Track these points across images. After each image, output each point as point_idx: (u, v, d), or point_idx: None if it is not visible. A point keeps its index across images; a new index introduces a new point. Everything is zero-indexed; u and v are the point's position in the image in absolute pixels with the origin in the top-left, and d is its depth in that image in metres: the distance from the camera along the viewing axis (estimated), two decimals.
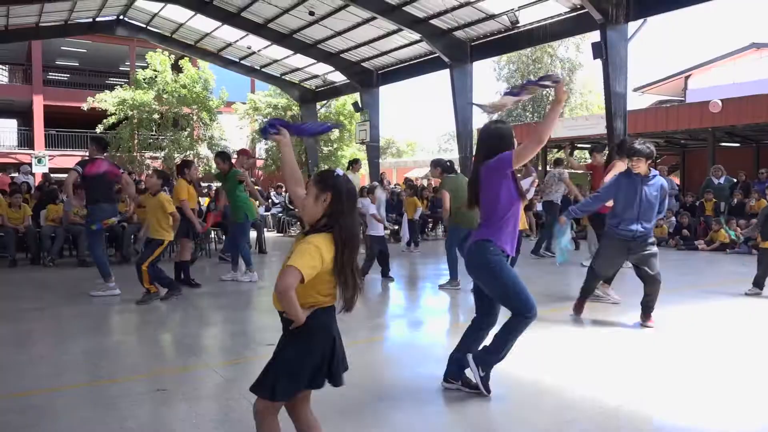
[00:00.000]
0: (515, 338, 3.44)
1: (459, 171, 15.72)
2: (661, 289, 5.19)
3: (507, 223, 3.40)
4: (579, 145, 20.43)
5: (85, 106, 22.69)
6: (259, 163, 29.11)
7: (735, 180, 13.01)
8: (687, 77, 27.73)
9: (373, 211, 7.73)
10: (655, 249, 5.19)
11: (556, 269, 8.37)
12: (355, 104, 21.39)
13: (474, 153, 3.65)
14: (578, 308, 5.61)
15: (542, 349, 4.52)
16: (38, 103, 26.77)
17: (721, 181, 12.75)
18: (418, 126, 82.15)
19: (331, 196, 2.18)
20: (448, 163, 7.53)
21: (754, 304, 6.24)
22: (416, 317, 6.10)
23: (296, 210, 14.66)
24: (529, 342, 4.71)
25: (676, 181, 19.74)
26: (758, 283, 6.70)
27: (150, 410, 3.32)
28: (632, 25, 12.69)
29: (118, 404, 3.40)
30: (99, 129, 22.49)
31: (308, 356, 2.19)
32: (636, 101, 28.09)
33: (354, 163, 12.62)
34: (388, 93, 79.77)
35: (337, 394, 2.93)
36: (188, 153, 24.39)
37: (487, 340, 3.54)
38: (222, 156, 7.96)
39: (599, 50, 12.38)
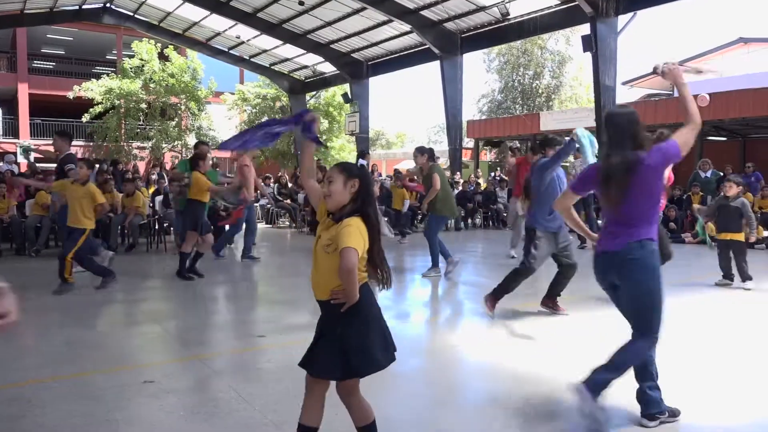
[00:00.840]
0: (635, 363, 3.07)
1: (448, 162, 15.62)
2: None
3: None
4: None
5: (71, 95, 22.43)
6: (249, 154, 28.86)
7: (722, 174, 13.12)
8: None
9: None
10: (571, 238, 5.50)
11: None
12: (344, 95, 21.31)
13: (609, 143, 3.10)
14: (493, 305, 5.30)
15: (532, 340, 4.55)
16: (23, 92, 26.41)
17: (708, 174, 12.85)
18: (407, 118, 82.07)
19: (359, 182, 2.38)
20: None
21: (737, 296, 6.30)
22: (403, 309, 6.11)
23: (287, 202, 14.60)
24: (519, 333, 4.74)
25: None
26: (727, 275, 6.87)
27: (137, 402, 3.30)
28: (622, 19, 12.74)
29: (104, 396, 3.37)
30: (85, 118, 22.26)
31: (372, 328, 2.40)
32: (625, 95, 28.19)
33: (364, 156, 12.66)
34: (377, 84, 79.60)
35: (332, 385, 2.93)
36: (176, 143, 24.21)
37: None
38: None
39: (589, 43, 12.41)
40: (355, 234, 2.28)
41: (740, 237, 6.78)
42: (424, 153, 7.63)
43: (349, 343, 2.34)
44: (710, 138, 18.75)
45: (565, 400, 3.35)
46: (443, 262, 7.44)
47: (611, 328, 4.92)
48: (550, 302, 5.50)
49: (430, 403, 3.35)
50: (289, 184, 15.82)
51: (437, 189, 7.29)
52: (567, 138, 5.25)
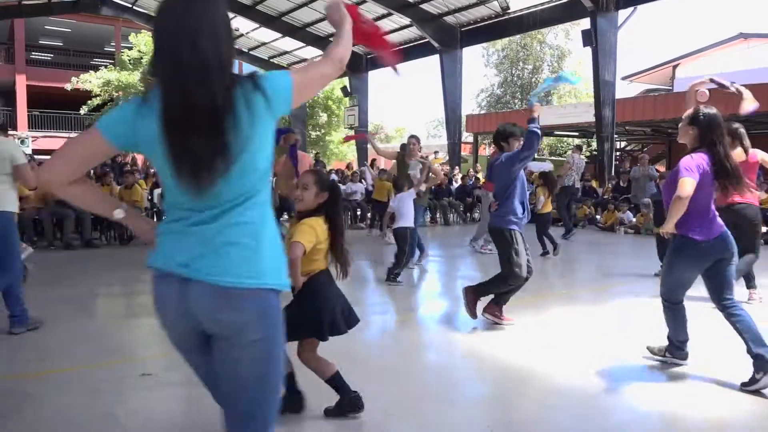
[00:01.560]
0: None
1: (447, 156, 15.67)
2: (641, 274, 5.22)
3: None
4: (558, 133, 20.47)
5: (69, 87, 22.33)
6: None
7: None
8: (675, 66, 27.85)
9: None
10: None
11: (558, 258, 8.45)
12: (344, 89, 21.27)
13: (717, 140, 3.44)
14: (474, 304, 4.78)
15: (526, 334, 4.56)
16: (21, 83, 26.29)
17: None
18: (406, 112, 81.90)
19: (328, 196, 2.84)
20: None
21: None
22: (400, 305, 6.11)
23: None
24: (513, 327, 4.75)
25: (662, 169, 19.89)
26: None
27: (136, 395, 3.30)
28: (622, 14, 12.72)
29: (103, 389, 3.37)
30: (83, 110, 22.18)
31: (309, 310, 2.82)
32: (624, 90, 28.17)
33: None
34: (376, 78, 79.44)
35: (321, 382, 2.94)
36: None
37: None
38: None
39: (589, 38, 12.39)
40: (307, 231, 2.75)
41: None
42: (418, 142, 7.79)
43: (293, 318, 2.64)
44: None
45: (565, 394, 3.36)
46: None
47: (607, 323, 4.95)
48: (497, 310, 4.78)
49: (427, 398, 3.36)
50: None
51: (443, 179, 7.49)
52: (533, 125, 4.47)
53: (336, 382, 3.01)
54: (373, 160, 15.93)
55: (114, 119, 1.63)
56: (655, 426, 2.99)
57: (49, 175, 1.60)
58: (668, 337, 3.88)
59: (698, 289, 3.84)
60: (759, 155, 5.55)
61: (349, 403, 3.00)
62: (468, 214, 15.17)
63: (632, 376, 3.68)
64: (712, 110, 3.54)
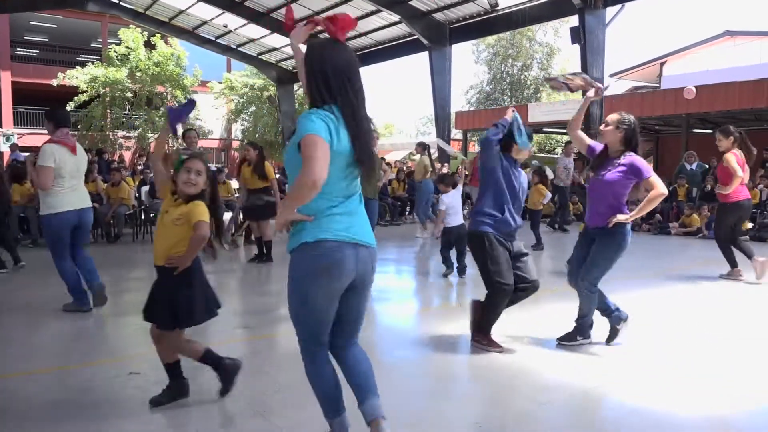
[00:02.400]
0: None
1: (437, 153, 15.66)
2: (633, 273, 5.23)
3: None
4: (546, 130, 20.56)
5: (55, 82, 22.10)
6: (235, 144, 28.69)
7: (707, 166, 13.24)
8: (662, 64, 28.06)
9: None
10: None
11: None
12: None
13: (638, 143, 4.19)
14: (491, 342, 4.16)
15: (518, 331, 4.57)
16: (6, 80, 25.99)
17: (694, 167, 12.97)
18: (396, 109, 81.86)
19: (209, 183, 3.06)
20: None
21: (724, 287, 6.38)
22: (395, 299, 6.11)
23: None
24: (505, 324, 4.76)
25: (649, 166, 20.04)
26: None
27: (123, 394, 3.28)
28: (610, 11, 12.77)
29: (91, 387, 3.35)
30: (70, 107, 21.96)
31: (197, 291, 3.01)
32: (612, 87, 28.31)
33: (423, 147, 11.72)
34: (366, 74, 79.03)
35: None
36: None
37: None
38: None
39: (577, 35, 12.43)
40: (205, 212, 2.97)
41: None
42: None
43: (178, 302, 2.94)
44: (696, 131, 18.90)
45: (557, 390, 3.37)
46: None
47: (599, 320, 4.96)
48: (483, 338, 4.13)
49: (422, 394, 3.36)
50: (277, 175, 15.73)
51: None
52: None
53: (211, 358, 3.21)
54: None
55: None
56: (649, 423, 3.00)
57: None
58: (579, 321, 4.22)
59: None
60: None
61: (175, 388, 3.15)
62: None
63: (625, 373, 3.70)
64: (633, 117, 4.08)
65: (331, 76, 2.23)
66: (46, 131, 5.06)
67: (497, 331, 4.19)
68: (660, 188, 3.89)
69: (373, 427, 2.44)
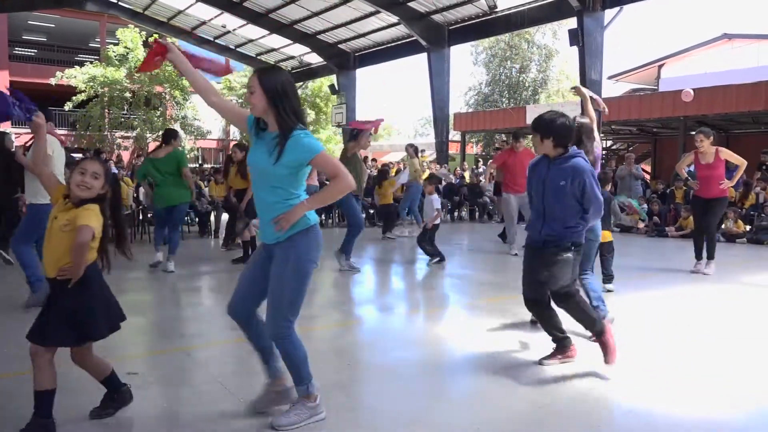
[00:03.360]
0: None
1: (435, 155, 15.62)
2: (630, 274, 5.24)
3: None
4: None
5: (53, 81, 22.07)
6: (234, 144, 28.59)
7: None
8: (660, 66, 28.13)
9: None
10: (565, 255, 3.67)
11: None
12: (331, 87, 21.22)
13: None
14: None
15: (515, 332, 4.57)
16: (3, 79, 25.92)
17: (691, 168, 12.98)
18: (394, 110, 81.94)
19: (110, 189, 2.84)
20: None
21: (718, 290, 6.39)
22: (390, 301, 6.11)
23: None
24: (502, 325, 4.77)
25: (647, 168, 20.08)
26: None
27: None
28: (608, 14, 12.80)
29: (87, 387, 3.33)
30: (68, 106, 21.95)
31: (97, 301, 2.79)
32: (610, 89, 28.40)
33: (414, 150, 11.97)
34: (364, 76, 79.32)
35: (317, 377, 2.93)
36: (160, 133, 23.98)
37: None
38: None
39: (576, 37, 12.46)
40: (94, 217, 2.70)
41: None
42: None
43: (78, 314, 2.70)
44: (694, 133, 18.92)
45: (553, 389, 3.38)
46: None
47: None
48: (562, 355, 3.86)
49: (417, 395, 3.36)
50: None
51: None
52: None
53: (112, 381, 2.99)
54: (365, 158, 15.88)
55: None
56: (647, 424, 3.01)
57: None
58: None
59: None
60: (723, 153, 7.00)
61: (119, 398, 2.98)
62: (456, 213, 15.22)
63: (624, 374, 3.70)
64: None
65: (297, 102, 2.74)
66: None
67: (494, 333, 4.19)
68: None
69: (278, 382, 2.96)
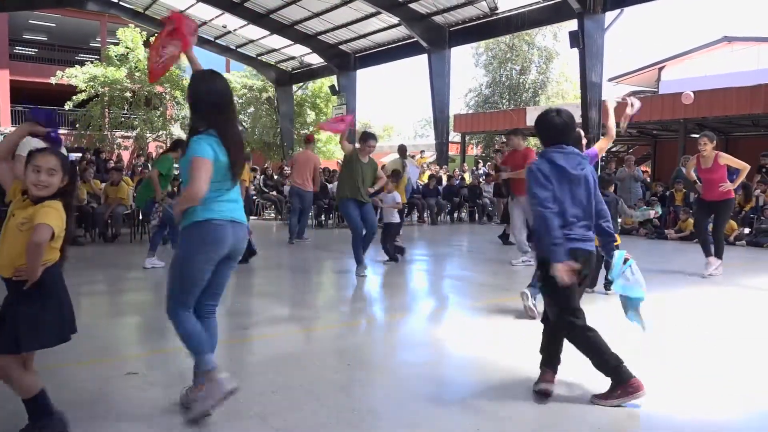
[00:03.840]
0: None
1: (435, 156, 15.64)
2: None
3: None
4: None
5: (54, 80, 22.07)
6: None
7: None
8: (660, 68, 28.14)
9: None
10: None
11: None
12: (332, 87, 21.22)
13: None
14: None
15: (516, 334, 4.57)
16: (4, 78, 25.94)
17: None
18: (394, 111, 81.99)
19: (69, 179, 2.63)
20: None
21: (718, 292, 6.40)
22: (390, 303, 6.11)
23: (272, 193, 14.53)
24: (503, 327, 4.77)
25: (647, 170, 20.09)
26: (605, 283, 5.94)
27: (120, 394, 3.27)
28: (609, 16, 12.82)
29: (87, 387, 3.34)
30: (68, 106, 21.95)
31: (49, 308, 2.59)
32: (610, 91, 28.39)
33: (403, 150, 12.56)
34: (365, 76, 79.33)
35: (317, 378, 2.93)
36: (161, 133, 23.98)
37: None
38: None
39: (576, 39, 12.47)
40: (54, 215, 2.50)
41: None
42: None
43: (19, 319, 2.50)
44: (694, 135, 18.92)
45: (555, 393, 3.37)
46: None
47: (601, 324, 4.96)
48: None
49: (417, 397, 3.36)
50: (275, 176, 15.74)
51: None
52: None
53: (39, 402, 2.64)
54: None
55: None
56: (648, 425, 3.01)
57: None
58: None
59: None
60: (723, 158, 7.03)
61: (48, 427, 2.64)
62: (456, 214, 15.23)
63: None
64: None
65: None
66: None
67: (494, 335, 4.18)
68: None
69: (211, 374, 2.96)
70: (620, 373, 3.17)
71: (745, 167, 7.11)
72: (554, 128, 3.31)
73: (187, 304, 2.98)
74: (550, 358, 3.43)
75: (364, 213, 6.91)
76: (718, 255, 7.27)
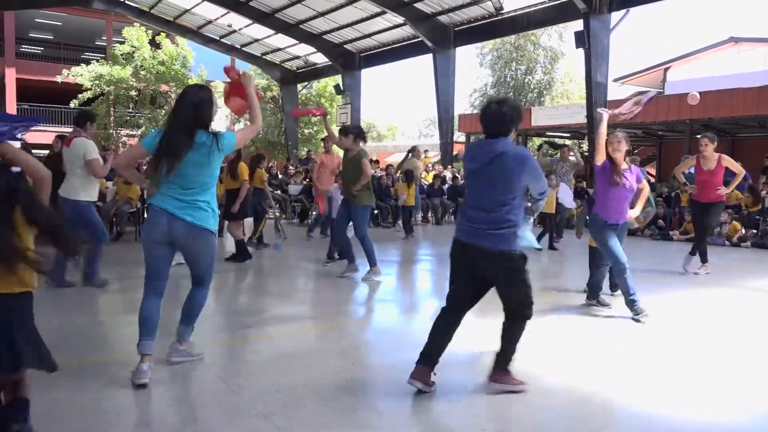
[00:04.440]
0: None
1: (440, 156, 15.50)
2: (633, 276, 5.20)
3: None
4: (550, 134, 20.56)
5: (59, 78, 22.14)
6: None
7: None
8: (666, 69, 28.04)
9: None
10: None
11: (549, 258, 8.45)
12: (336, 87, 21.23)
13: None
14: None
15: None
16: (10, 76, 26.04)
17: (691, 170, 12.94)
18: (399, 110, 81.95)
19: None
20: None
21: (722, 293, 6.37)
22: (391, 302, 6.11)
23: (277, 192, 14.55)
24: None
25: (652, 171, 20.01)
26: (594, 291, 5.68)
27: (126, 392, 3.28)
28: (615, 16, 12.78)
29: (92, 386, 3.35)
30: (74, 104, 22.02)
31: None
32: (616, 91, 28.35)
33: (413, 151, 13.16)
34: (369, 76, 79.41)
35: (320, 377, 2.94)
36: None
37: None
38: None
39: (582, 39, 12.43)
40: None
41: None
42: (349, 134, 6.76)
43: (35, 335, 2.61)
44: (699, 136, 18.85)
45: (557, 394, 3.37)
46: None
47: (600, 325, 4.96)
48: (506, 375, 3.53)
49: (420, 396, 3.36)
50: (280, 175, 15.76)
51: (369, 176, 6.58)
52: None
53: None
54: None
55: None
56: (649, 427, 3.00)
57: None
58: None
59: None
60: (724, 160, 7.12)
61: None
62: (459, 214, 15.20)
63: (626, 377, 3.69)
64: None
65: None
66: (50, 128, 5.43)
67: (495, 335, 4.17)
68: (647, 187, 5.21)
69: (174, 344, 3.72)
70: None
71: (741, 171, 7.19)
72: (485, 119, 3.35)
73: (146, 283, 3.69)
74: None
75: (351, 214, 6.67)
76: (701, 256, 7.33)
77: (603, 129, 5.20)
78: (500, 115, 3.27)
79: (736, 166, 7.13)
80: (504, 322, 3.42)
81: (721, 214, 7.72)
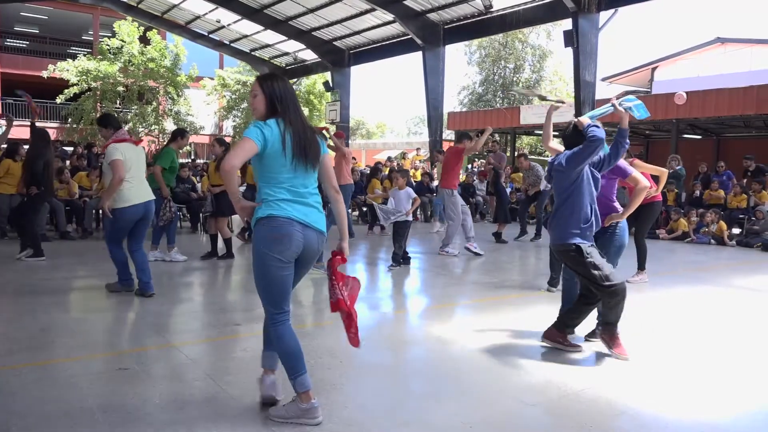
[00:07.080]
0: None
1: (428, 154, 15.50)
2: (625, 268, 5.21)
3: None
4: (538, 133, 20.64)
5: (45, 74, 21.89)
6: (227, 140, 28.42)
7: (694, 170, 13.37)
8: (653, 69, 28.26)
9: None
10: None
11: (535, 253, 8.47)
12: (326, 84, 21.17)
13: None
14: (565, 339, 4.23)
15: (509, 331, 4.58)
16: None
17: (677, 169, 13.07)
18: (388, 108, 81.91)
19: None
20: None
21: (709, 292, 6.44)
22: (381, 300, 6.11)
23: None
24: (496, 324, 4.78)
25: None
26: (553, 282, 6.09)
27: (111, 389, 3.25)
28: (603, 15, 12.84)
29: (77, 383, 3.32)
30: (60, 99, 21.79)
31: None
32: (603, 90, 28.50)
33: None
34: (359, 73, 79.14)
35: (309, 375, 2.92)
36: (153, 128, 23.85)
37: None
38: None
39: (570, 38, 12.48)
40: None
41: None
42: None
43: None
44: (685, 136, 19.05)
45: (546, 391, 3.39)
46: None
47: (588, 321, 4.99)
48: (560, 336, 4.18)
49: (410, 394, 3.37)
50: None
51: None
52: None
53: None
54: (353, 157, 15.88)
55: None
56: (638, 425, 3.02)
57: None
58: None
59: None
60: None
61: None
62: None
63: (615, 375, 3.72)
64: None
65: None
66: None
67: (486, 333, 4.19)
68: (643, 182, 4.51)
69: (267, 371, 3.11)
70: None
71: (663, 172, 6.47)
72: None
73: (276, 311, 3.05)
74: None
75: None
76: (641, 264, 6.93)
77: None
78: None
79: (653, 168, 6.45)
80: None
81: (651, 218, 7.07)
